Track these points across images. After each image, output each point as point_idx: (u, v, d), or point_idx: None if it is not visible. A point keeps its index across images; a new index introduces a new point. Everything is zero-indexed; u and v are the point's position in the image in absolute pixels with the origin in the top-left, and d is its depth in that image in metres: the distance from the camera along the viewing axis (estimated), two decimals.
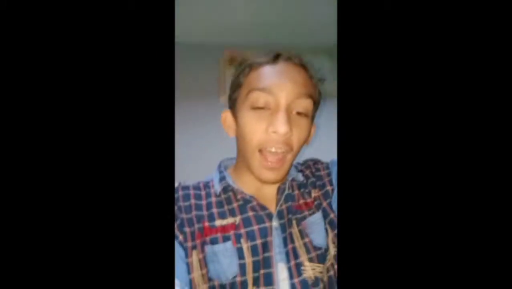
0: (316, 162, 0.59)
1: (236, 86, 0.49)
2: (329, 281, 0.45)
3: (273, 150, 0.44)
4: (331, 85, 1.59)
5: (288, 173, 0.50)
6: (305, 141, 0.50)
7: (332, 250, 0.47)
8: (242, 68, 0.48)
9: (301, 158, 0.58)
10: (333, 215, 0.49)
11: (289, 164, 0.47)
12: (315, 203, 0.51)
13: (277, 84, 0.44)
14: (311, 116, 0.49)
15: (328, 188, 0.52)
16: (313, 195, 0.52)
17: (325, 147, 1.05)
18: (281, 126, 0.41)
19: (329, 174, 0.54)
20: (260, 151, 0.44)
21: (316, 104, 0.50)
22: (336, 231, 0.48)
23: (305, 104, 0.45)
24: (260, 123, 0.44)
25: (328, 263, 0.46)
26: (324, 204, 0.51)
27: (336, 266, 0.46)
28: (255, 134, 0.44)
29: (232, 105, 0.50)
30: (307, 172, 0.56)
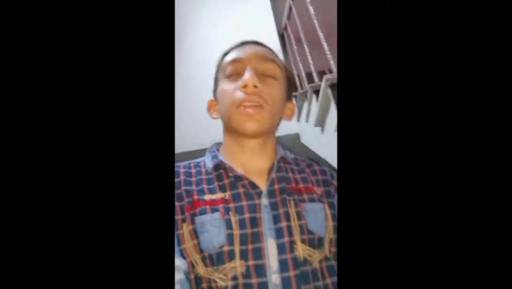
0: (314, 164, 0.61)
1: (215, 73, 0.58)
2: (317, 268, 0.46)
3: (247, 103, 0.49)
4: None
5: (269, 127, 0.53)
6: (280, 107, 0.54)
7: (327, 244, 0.48)
8: (219, 58, 0.57)
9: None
10: (333, 211, 0.52)
11: (268, 118, 0.51)
12: (319, 196, 0.53)
13: (243, 53, 0.53)
14: (283, 84, 0.55)
15: (331, 188, 0.56)
16: (316, 189, 0.54)
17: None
18: (248, 80, 0.48)
19: (332, 177, 0.58)
20: (238, 107, 0.49)
21: (287, 76, 0.56)
22: (335, 223, 0.50)
23: (271, 66, 0.53)
24: (233, 85, 0.51)
25: (319, 251, 0.47)
26: (327, 200, 0.53)
27: (328, 262, 0.47)
28: (230, 95, 0.50)
29: (215, 91, 0.57)
30: (306, 169, 0.58)
